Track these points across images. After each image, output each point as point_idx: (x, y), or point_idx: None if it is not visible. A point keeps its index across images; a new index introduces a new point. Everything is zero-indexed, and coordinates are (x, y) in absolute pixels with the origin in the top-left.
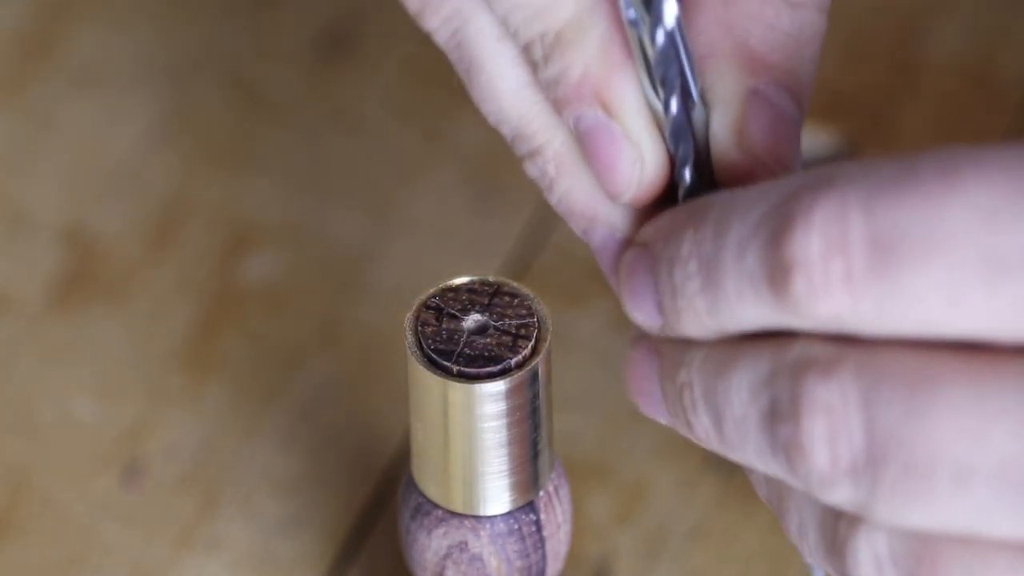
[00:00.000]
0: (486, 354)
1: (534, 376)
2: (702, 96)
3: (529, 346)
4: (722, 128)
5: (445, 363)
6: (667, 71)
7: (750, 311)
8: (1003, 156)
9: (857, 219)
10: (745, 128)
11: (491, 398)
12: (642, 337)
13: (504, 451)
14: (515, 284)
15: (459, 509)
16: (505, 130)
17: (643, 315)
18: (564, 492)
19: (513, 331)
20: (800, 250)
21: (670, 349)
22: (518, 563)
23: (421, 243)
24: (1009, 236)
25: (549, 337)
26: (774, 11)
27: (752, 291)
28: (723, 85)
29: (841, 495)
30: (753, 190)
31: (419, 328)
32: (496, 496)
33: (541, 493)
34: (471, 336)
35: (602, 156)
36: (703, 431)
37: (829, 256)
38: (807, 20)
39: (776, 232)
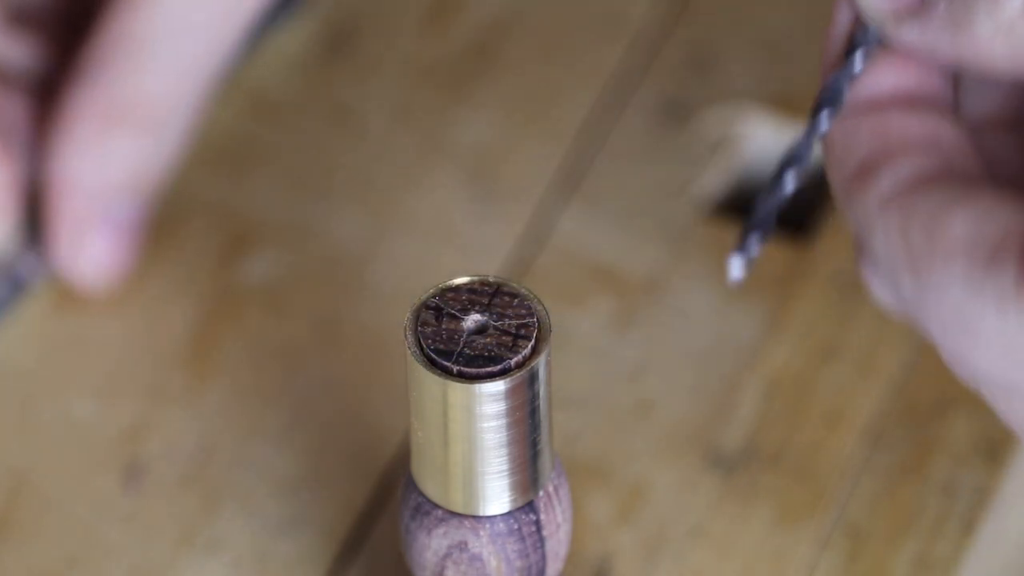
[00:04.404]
0: (486, 354)
1: (534, 376)
2: None
3: (529, 346)
4: None
5: (445, 363)
6: None
7: None
8: None
9: None
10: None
11: (491, 398)
12: None
13: (504, 451)
14: (515, 284)
15: (459, 509)
16: None
17: None
18: (564, 492)
19: (513, 331)
20: None
21: None
22: (518, 563)
23: (421, 243)
24: None
25: (549, 337)
26: None
27: None
28: None
29: None
30: None
31: (419, 328)
32: (496, 496)
33: (541, 493)
34: (471, 336)
35: None
36: None
37: None
38: None
39: None
